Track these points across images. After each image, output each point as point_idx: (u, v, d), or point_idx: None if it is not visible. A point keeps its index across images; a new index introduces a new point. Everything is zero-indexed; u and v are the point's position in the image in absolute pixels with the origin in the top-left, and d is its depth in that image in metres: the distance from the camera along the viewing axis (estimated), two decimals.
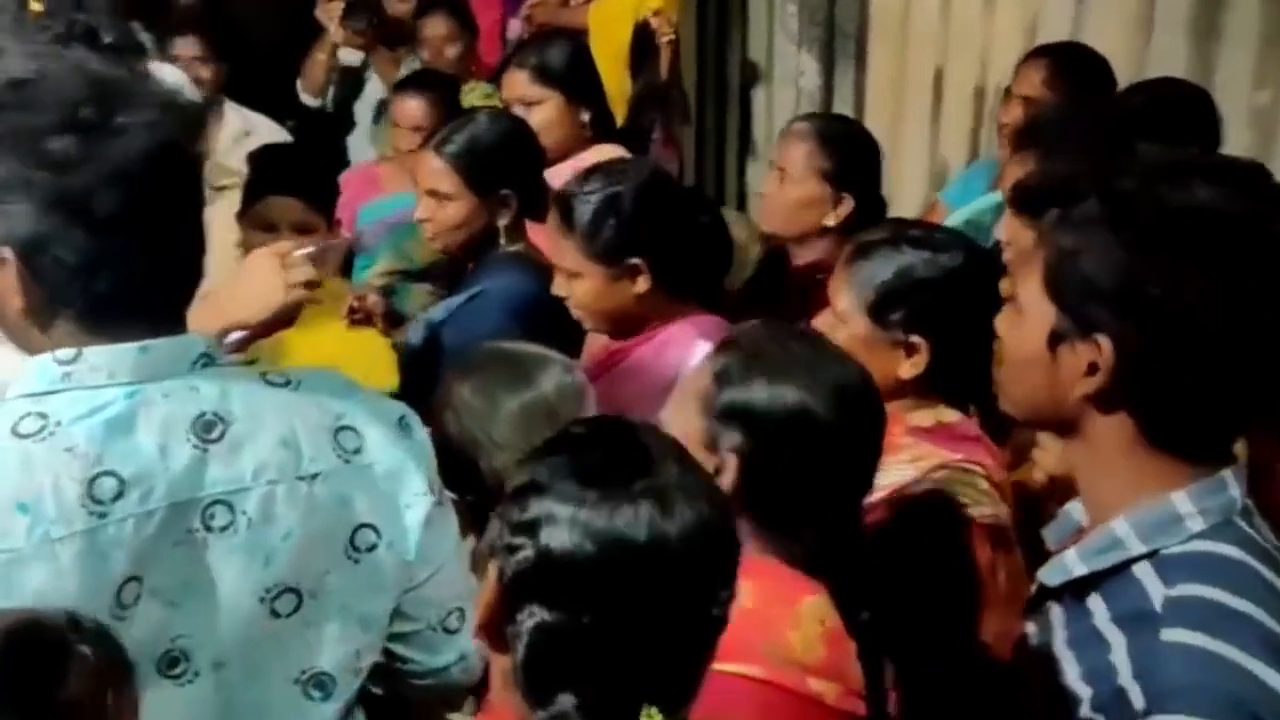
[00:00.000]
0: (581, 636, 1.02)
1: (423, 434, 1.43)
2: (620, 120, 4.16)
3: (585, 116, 2.91)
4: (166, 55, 3.66)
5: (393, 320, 2.65)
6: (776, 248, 2.65)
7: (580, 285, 2.18)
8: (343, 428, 1.33)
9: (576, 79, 2.92)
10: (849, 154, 2.55)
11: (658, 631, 1.04)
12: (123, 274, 1.23)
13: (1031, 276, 1.27)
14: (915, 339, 1.79)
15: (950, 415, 1.83)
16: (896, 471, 1.70)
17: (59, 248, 1.20)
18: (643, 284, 2.15)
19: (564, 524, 1.02)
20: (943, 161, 4.22)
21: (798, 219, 2.53)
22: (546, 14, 4.43)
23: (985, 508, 1.73)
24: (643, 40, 4.11)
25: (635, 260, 2.13)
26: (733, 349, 1.50)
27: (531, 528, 1.04)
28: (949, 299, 1.80)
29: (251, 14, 4.37)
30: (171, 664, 1.26)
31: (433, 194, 2.45)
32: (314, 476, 1.30)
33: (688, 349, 2.08)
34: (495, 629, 1.07)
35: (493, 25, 4.66)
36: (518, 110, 2.88)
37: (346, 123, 4.45)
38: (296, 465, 1.29)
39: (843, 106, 4.38)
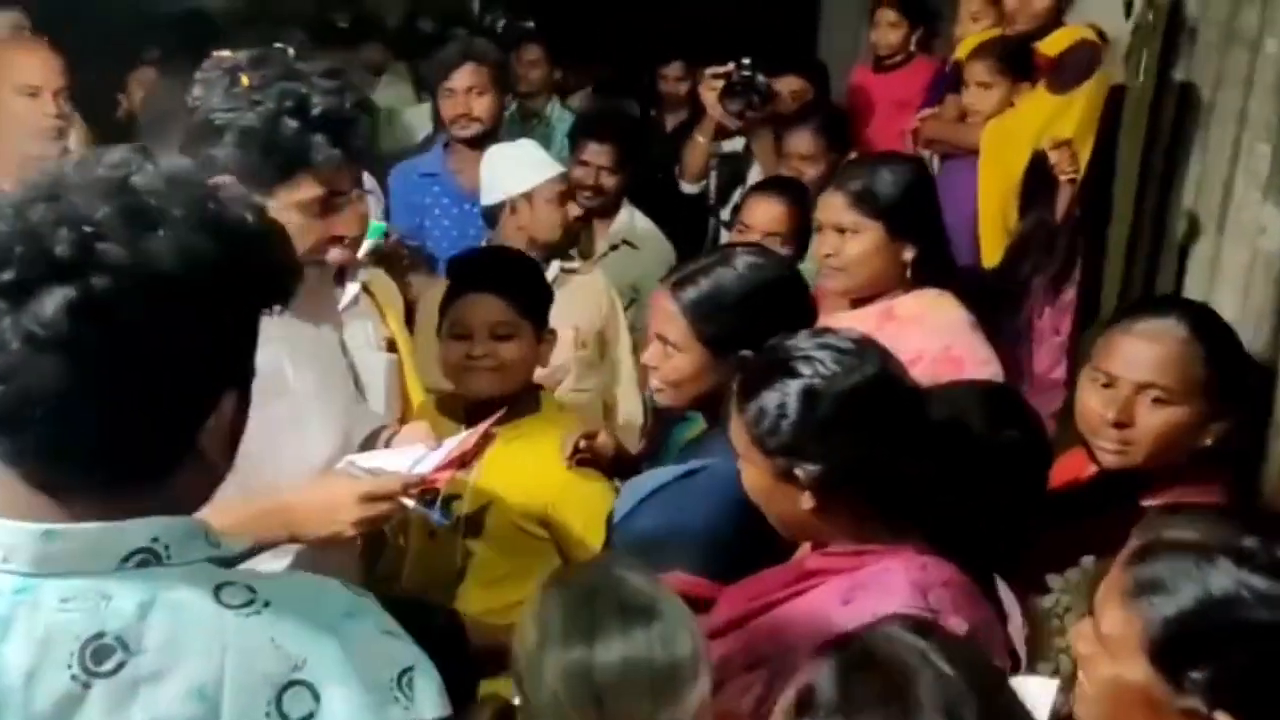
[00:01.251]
0: None
1: (432, 702, 1.02)
2: (991, 260, 3.61)
3: (908, 255, 2.34)
4: (578, 160, 3.65)
5: (624, 468, 2.21)
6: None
7: (747, 474, 1.65)
8: (295, 683, 0.99)
9: (906, 211, 2.35)
10: (1236, 359, 1.83)
11: None
12: (62, 422, 0.95)
13: None
14: (1221, 717, 1.16)
15: None
16: None
17: None
18: (807, 501, 1.58)
19: None
20: None
21: (1174, 446, 1.80)
22: (937, 129, 3.99)
23: None
24: (1041, 172, 3.49)
25: (798, 471, 1.56)
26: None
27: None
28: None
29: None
30: None
31: (661, 339, 1.98)
32: None
33: (884, 608, 1.45)
34: None
35: (899, 136, 4.16)
36: (830, 237, 2.36)
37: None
38: None
39: None
